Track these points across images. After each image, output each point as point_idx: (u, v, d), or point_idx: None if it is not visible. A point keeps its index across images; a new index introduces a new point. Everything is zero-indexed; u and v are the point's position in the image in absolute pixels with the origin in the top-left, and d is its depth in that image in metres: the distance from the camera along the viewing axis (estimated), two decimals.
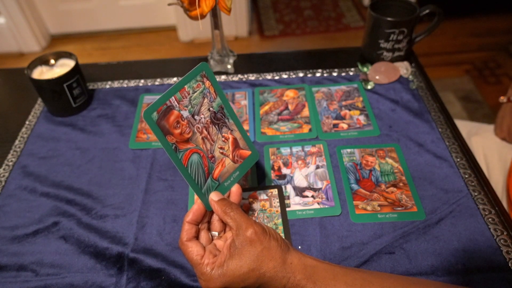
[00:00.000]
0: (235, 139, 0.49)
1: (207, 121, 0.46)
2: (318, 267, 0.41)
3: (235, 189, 0.48)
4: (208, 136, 0.46)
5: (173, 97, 0.43)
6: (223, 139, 0.47)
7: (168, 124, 0.43)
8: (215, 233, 0.46)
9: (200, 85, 0.45)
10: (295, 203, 0.56)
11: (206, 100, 0.46)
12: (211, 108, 0.46)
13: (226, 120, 0.48)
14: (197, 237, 0.45)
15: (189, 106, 0.44)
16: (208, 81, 0.46)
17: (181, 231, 0.44)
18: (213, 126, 0.47)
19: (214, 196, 0.45)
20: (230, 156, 0.48)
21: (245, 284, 0.41)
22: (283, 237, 0.45)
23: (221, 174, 0.47)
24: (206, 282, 0.41)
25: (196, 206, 0.44)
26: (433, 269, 0.48)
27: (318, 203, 0.56)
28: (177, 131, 0.43)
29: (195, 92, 0.45)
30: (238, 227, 0.42)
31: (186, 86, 0.44)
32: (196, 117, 0.45)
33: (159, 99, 0.42)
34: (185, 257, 0.43)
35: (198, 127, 0.45)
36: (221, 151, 0.47)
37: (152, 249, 0.52)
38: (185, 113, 0.44)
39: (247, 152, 0.50)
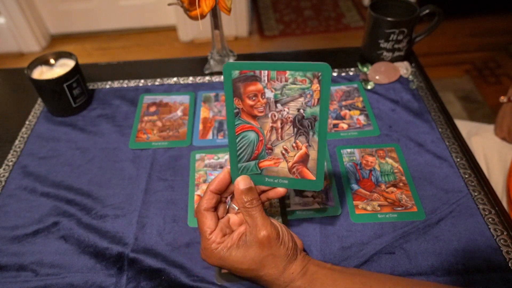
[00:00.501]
0: (306, 155, 0.43)
1: (289, 117, 0.42)
2: (318, 273, 0.41)
3: (280, 191, 0.45)
4: (279, 130, 0.42)
5: (266, 71, 0.40)
6: (294, 144, 0.43)
7: (243, 89, 0.40)
8: (235, 207, 0.46)
9: (305, 81, 0.40)
10: (295, 203, 0.56)
11: (302, 99, 0.41)
12: (301, 110, 0.41)
13: (311, 133, 0.42)
14: (216, 208, 0.44)
15: (278, 92, 0.40)
16: (317, 85, 0.40)
17: (202, 198, 0.43)
18: (292, 127, 0.42)
19: (241, 184, 0.42)
20: (290, 164, 0.43)
21: (241, 275, 0.43)
22: (296, 241, 0.44)
23: (268, 168, 0.44)
24: (205, 257, 0.43)
25: (222, 175, 0.43)
26: (433, 269, 0.48)
27: (318, 203, 0.56)
28: (250, 102, 0.41)
29: (295, 84, 0.40)
30: (253, 226, 0.41)
31: (288, 72, 0.40)
32: (279, 105, 0.41)
33: (250, 63, 0.39)
34: (197, 223, 0.44)
35: (274, 115, 0.41)
36: (283, 151, 0.43)
37: (152, 249, 0.52)
38: (269, 94, 0.41)
39: (310, 176, 0.44)
